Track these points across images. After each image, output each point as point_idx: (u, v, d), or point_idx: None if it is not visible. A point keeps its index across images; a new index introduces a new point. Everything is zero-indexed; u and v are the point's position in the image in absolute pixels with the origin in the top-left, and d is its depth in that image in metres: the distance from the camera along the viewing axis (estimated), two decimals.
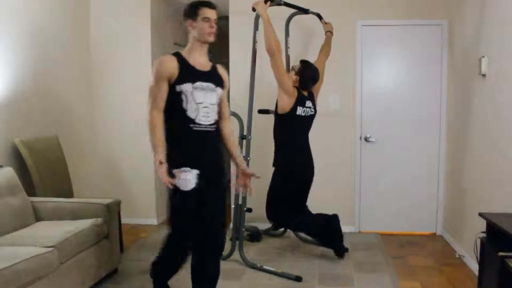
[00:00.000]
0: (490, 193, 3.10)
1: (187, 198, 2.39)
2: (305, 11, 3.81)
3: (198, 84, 2.41)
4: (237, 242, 3.48)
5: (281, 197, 3.50)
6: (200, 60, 2.51)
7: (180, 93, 2.36)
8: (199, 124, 2.40)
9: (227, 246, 3.70)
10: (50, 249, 2.49)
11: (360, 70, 4.24)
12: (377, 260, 3.55)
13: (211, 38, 2.56)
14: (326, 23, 3.88)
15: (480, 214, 2.48)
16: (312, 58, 3.70)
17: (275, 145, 3.55)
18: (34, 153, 3.42)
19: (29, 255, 2.33)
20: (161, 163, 2.27)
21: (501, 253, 2.04)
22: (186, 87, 2.37)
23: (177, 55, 2.46)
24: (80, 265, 2.77)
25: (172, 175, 2.30)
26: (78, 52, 4.35)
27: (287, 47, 4.03)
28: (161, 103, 2.37)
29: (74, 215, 3.09)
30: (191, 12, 2.60)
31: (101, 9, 4.50)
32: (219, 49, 6.68)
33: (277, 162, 3.53)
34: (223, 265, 3.43)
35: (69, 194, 3.76)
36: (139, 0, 4.46)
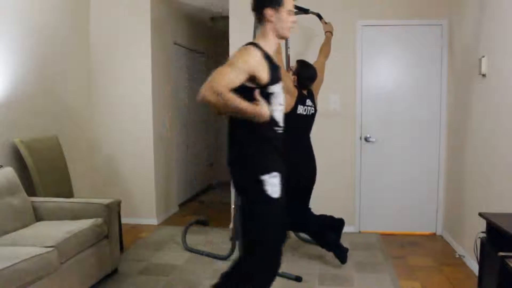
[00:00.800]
0: (490, 193, 3.10)
1: (277, 205, 2.13)
2: (305, 11, 3.81)
3: (281, 83, 2.23)
4: (237, 242, 3.48)
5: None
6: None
7: (271, 94, 2.13)
8: (281, 127, 2.22)
9: (227, 246, 3.72)
10: (50, 249, 2.49)
11: (360, 70, 4.24)
12: (377, 260, 3.55)
13: (289, 34, 2.29)
14: (326, 23, 3.88)
15: (480, 214, 2.48)
16: (312, 58, 3.69)
17: None
18: (34, 153, 3.42)
19: (29, 255, 2.33)
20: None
21: (501, 253, 2.04)
22: (277, 88, 2.16)
23: (262, 50, 2.14)
24: (80, 265, 2.77)
25: (253, 183, 2.09)
26: (78, 52, 4.35)
27: (287, 47, 4.03)
28: (229, 91, 1.98)
29: (74, 215, 3.09)
30: (275, 1, 2.23)
31: (101, 9, 4.51)
32: (219, 49, 6.70)
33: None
34: (223, 265, 3.45)
35: (69, 194, 3.76)
36: (139, 0, 4.46)
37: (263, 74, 2.07)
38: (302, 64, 3.46)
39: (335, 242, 3.42)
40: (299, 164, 3.50)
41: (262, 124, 2.06)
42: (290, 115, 3.37)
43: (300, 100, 3.39)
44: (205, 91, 1.94)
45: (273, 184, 2.09)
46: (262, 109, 2.01)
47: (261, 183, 2.07)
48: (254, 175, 2.08)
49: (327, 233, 3.44)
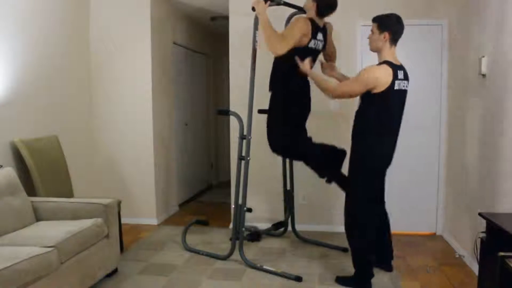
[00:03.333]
0: (490, 193, 3.10)
1: None
2: (305, 11, 3.81)
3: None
4: (237, 242, 3.48)
5: (282, 118, 3.42)
6: None
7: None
8: None
9: (227, 246, 3.72)
10: (50, 249, 2.49)
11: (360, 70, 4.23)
12: None
13: None
14: (326, 23, 3.87)
15: (480, 214, 2.48)
16: None
17: (276, 68, 3.44)
18: (34, 153, 3.42)
19: (29, 255, 2.33)
20: None
21: (501, 253, 2.04)
22: None
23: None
24: (80, 265, 2.77)
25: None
26: (78, 52, 4.35)
27: None
28: None
29: (74, 215, 3.09)
30: (395, 26, 2.97)
31: (101, 9, 4.51)
32: (219, 49, 6.71)
33: (275, 88, 3.45)
34: (223, 265, 3.45)
35: (69, 194, 3.76)
36: (139, 0, 4.46)
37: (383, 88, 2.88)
38: None
39: (335, 172, 3.36)
40: (301, 94, 3.45)
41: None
42: (300, 50, 3.27)
43: (313, 35, 3.29)
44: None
45: None
46: None
47: None
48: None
49: (326, 161, 3.37)
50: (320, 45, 3.41)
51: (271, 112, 3.48)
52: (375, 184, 3.12)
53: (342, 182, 3.32)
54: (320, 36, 3.37)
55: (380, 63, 2.96)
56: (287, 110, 3.42)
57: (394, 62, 2.95)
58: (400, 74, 2.94)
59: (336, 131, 4.27)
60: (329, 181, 3.40)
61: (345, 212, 3.11)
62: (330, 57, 3.64)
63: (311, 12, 3.35)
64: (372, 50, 3.07)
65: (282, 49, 3.15)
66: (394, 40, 2.98)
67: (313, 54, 3.40)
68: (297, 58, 3.22)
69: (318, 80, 3.16)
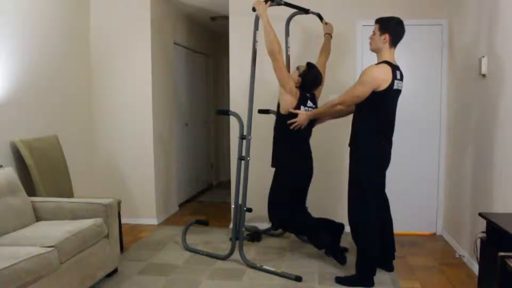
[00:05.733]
0: (490, 193, 3.10)
1: None
2: (305, 11, 3.81)
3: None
4: (237, 242, 3.48)
5: (284, 194, 3.48)
6: None
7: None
8: None
9: (227, 246, 3.72)
10: (50, 249, 2.49)
11: (360, 70, 4.22)
12: None
13: None
14: (326, 23, 3.88)
15: (480, 214, 2.48)
16: (312, 58, 3.70)
17: (276, 145, 3.54)
18: (34, 153, 3.42)
19: (29, 255, 2.33)
20: None
21: (501, 253, 2.04)
22: None
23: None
24: (80, 265, 2.77)
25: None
26: (78, 52, 4.35)
27: (287, 47, 4.03)
28: None
29: (74, 215, 3.09)
30: (396, 29, 3.01)
31: (101, 9, 4.51)
32: (219, 49, 6.71)
33: (279, 162, 3.52)
34: (223, 265, 3.45)
35: (69, 194, 3.76)
36: (139, 0, 4.46)
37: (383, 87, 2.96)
38: (310, 68, 3.44)
39: (333, 245, 3.40)
40: (300, 164, 3.51)
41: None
42: (291, 117, 3.39)
43: (302, 101, 3.39)
44: None
45: None
46: None
47: None
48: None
49: (323, 233, 3.41)
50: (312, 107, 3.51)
51: (273, 190, 3.54)
52: (377, 181, 3.14)
53: (340, 255, 3.37)
54: (310, 103, 3.47)
55: (379, 63, 3.01)
56: (290, 188, 3.50)
57: (392, 62, 3.02)
58: (398, 75, 3.01)
59: (336, 131, 4.27)
60: (327, 253, 3.46)
61: (350, 211, 3.14)
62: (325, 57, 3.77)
63: (298, 84, 3.44)
64: (372, 50, 3.12)
65: (276, 51, 3.27)
66: (393, 42, 3.04)
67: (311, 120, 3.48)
68: (292, 110, 3.37)
69: (323, 110, 3.33)
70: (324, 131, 4.16)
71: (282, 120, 3.46)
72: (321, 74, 3.52)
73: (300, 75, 3.43)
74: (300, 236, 4.07)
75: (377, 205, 3.13)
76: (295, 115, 3.38)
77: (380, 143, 3.05)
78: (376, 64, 3.01)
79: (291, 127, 3.34)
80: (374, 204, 3.08)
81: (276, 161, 3.54)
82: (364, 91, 2.93)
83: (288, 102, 3.36)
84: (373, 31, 3.08)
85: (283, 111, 3.42)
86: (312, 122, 3.54)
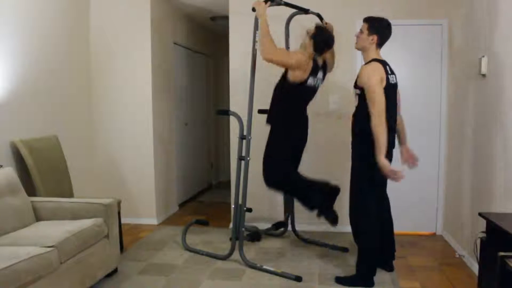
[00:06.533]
0: (490, 193, 3.10)
1: None
2: (305, 11, 3.81)
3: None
4: (237, 242, 3.48)
5: (278, 152, 3.43)
6: None
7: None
8: None
9: (227, 246, 3.72)
10: (50, 249, 2.49)
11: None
12: None
13: None
14: (326, 23, 3.87)
15: (480, 214, 2.48)
16: None
17: (275, 105, 3.46)
18: (34, 153, 3.42)
19: (29, 255, 2.33)
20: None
21: (501, 253, 2.04)
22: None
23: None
24: (80, 265, 2.77)
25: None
26: (78, 52, 4.35)
27: (287, 47, 4.03)
28: None
29: (74, 215, 3.09)
30: (384, 32, 3.04)
31: (101, 9, 4.50)
32: (219, 49, 6.71)
33: (274, 120, 3.46)
34: (223, 265, 3.45)
35: (69, 194, 3.76)
36: (139, 0, 4.46)
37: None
38: (319, 29, 3.39)
39: (326, 205, 3.33)
40: (297, 129, 3.48)
41: None
42: (299, 86, 3.31)
43: (313, 72, 3.33)
44: None
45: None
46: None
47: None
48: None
49: (316, 192, 3.36)
50: (319, 83, 3.47)
51: (268, 147, 3.49)
52: (379, 180, 3.14)
53: (332, 218, 3.31)
54: (320, 74, 3.43)
55: (368, 62, 3.03)
56: (285, 146, 3.46)
57: (380, 59, 3.04)
58: (388, 69, 3.03)
59: (336, 131, 4.27)
60: (319, 214, 3.39)
61: (351, 210, 3.14)
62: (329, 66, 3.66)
63: (310, 49, 3.37)
64: (358, 48, 3.14)
65: (268, 56, 3.21)
66: (380, 44, 3.06)
67: (311, 91, 3.45)
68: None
69: (383, 143, 2.93)
70: (325, 131, 4.16)
71: (286, 86, 3.36)
72: (332, 34, 3.43)
73: (311, 37, 3.35)
74: (300, 235, 4.07)
75: (378, 205, 3.13)
76: (303, 85, 3.30)
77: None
78: (366, 64, 3.01)
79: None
80: (375, 204, 3.07)
81: (271, 119, 3.48)
82: (380, 89, 2.90)
83: (298, 74, 3.29)
84: (361, 30, 3.09)
85: (292, 79, 3.32)
86: (313, 95, 3.48)
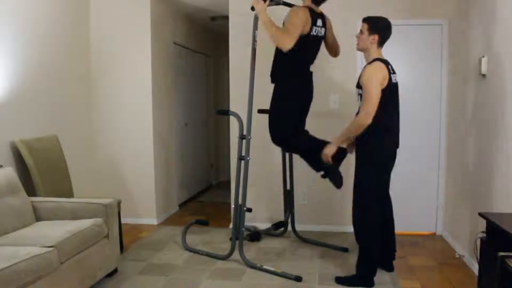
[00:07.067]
0: (490, 193, 3.10)
1: None
2: None
3: None
4: (237, 242, 3.48)
5: (285, 109, 3.39)
6: None
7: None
8: None
9: (227, 246, 3.72)
10: (50, 249, 2.49)
11: (360, 70, 4.22)
12: None
13: None
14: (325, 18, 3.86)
15: (480, 214, 2.48)
16: None
17: (278, 61, 3.40)
18: (34, 153, 3.42)
19: (29, 255, 2.33)
20: None
21: (501, 253, 2.04)
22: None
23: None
24: (80, 265, 2.77)
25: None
26: (78, 52, 4.35)
27: None
28: None
29: (74, 215, 3.09)
30: (385, 31, 3.04)
31: (101, 9, 4.51)
32: (219, 49, 6.71)
33: (278, 80, 3.42)
34: (223, 265, 3.45)
35: (69, 194, 3.76)
36: (139, 0, 4.46)
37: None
38: None
39: (332, 167, 3.29)
40: (300, 79, 3.43)
41: None
42: (303, 37, 3.23)
43: (314, 22, 3.27)
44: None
45: None
46: None
47: None
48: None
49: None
50: (321, 31, 3.40)
51: (274, 103, 3.45)
52: (384, 179, 3.17)
53: (337, 179, 3.29)
54: (319, 22, 3.37)
55: (371, 61, 3.02)
56: (291, 102, 3.40)
57: (382, 58, 3.05)
58: (391, 68, 3.04)
59: (336, 131, 4.27)
60: (324, 176, 3.36)
61: (354, 209, 3.14)
62: (332, 49, 3.61)
63: (307, 1, 3.35)
64: (359, 49, 3.14)
65: (290, 43, 3.13)
66: (381, 43, 3.07)
67: (316, 41, 3.40)
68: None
69: (349, 132, 3.08)
70: (325, 131, 4.16)
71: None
72: None
73: None
74: (300, 235, 4.07)
75: (380, 205, 3.13)
76: (307, 36, 3.24)
77: (384, 142, 3.04)
78: (370, 64, 3.01)
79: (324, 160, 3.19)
80: (376, 204, 3.07)
81: (275, 76, 3.44)
82: (378, 91, 2.91)
83: (301, 31, 3.22)
84: (361, 30, 3.09)
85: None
86: (317, 47, 3.44)
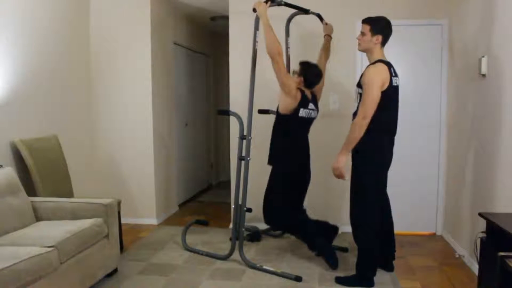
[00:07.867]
0: (490, 193, 3.10)
1: None
2: (305, 12, 3.81)
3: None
4: (237, 242, 3.48)
5: (280, 197, 3.48)
6: None
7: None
8: None
9: (227, 246, 3.72)
10: (50, 249, 2.49)
11: (360, 70, 4.22)
12: None
13: None
14: (326, 24, 3.88)
15: (480, 214, 2.48)
16: (312, 58, 3.69)
17: (273, 144, 3.54)
18: (34, 153, 3.42)
19: (29, 255, 2.33)
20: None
21: (501, 253, 2.04)
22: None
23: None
24: (80, 265, 2.77)
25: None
26: (78, 52, 4.35)
27: (287, 47, 4.03)
28: None
29: (74, 215, 3.09)
30: (387, 31, 3.04)
31: (101, 9, 4.51)
32: (219, 49, 6.71)
33: (275, 161, 3.52)
34: (223, 265, 3.46)
35: (69, 194, 3.76)
36: (139, 0, 4.46)
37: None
38: (305, 64, 3.46)
39: (325, 247, 3.38)
40: (297, 165, 3.51)
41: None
42: (291, 117, 3.38)
43: (303, 103, 3.39)
44: None
45: None
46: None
47: None
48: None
49: (318, 237, 3.40)
50: (312, 114, 3.51)
51: (269, 190, 3.52)
52: (382, 178, 3.17)
53: (331, 257, 3.34)
54: (311, 105, 3.47)
55: (374, 62, 3.02)
56: (285, 186, 3.50)
57: (385, 60, 3.04)
58: (393, 71, 3.03)
59: (336, 131, 4.27)
60: (318, 254, 3.45)
61: (351, 211, 3.15)
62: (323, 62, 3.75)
63: (300, 84, 3.44)
64: (361, 50, 3.14)
65: (273, 50, 3.23)
66: (384, 42, 3.07)
67: (304, 123, 3.50)
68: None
69: (355, 137, 3.00)
70: (325, 131, 4.16)
71: (280, 120, 3.46)
72: (318, 66, 3.52)
73: (299, 75, 3.43)
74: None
75: (378, 205, 3.13)
76: (295, 117, 3.37)
77: (383, 142, 3.05)
78: (372, 64, 3.01)
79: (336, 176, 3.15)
80: (375, 204, 3.08)
81: (272, 160, 3.53)
82: (378, 93, 2.90)
83: (288, 103, 3.36)
84: (362, 32, 3.08)
85: (282, 111, 3.41)
86: (309, 125, 3.55)
